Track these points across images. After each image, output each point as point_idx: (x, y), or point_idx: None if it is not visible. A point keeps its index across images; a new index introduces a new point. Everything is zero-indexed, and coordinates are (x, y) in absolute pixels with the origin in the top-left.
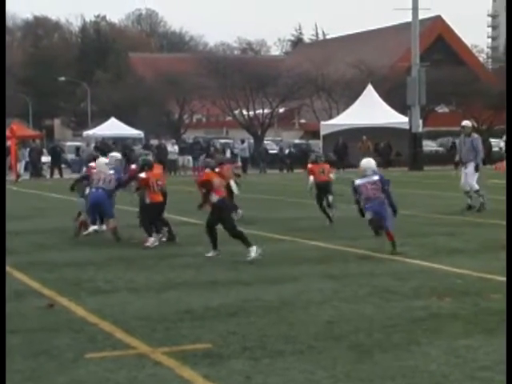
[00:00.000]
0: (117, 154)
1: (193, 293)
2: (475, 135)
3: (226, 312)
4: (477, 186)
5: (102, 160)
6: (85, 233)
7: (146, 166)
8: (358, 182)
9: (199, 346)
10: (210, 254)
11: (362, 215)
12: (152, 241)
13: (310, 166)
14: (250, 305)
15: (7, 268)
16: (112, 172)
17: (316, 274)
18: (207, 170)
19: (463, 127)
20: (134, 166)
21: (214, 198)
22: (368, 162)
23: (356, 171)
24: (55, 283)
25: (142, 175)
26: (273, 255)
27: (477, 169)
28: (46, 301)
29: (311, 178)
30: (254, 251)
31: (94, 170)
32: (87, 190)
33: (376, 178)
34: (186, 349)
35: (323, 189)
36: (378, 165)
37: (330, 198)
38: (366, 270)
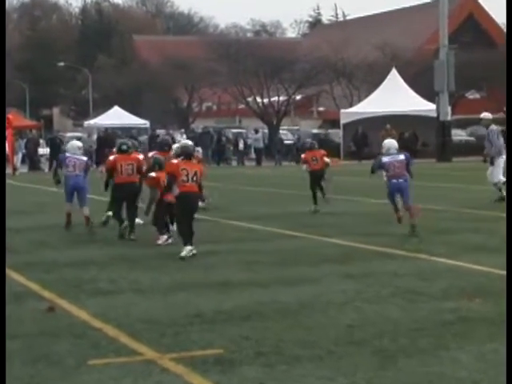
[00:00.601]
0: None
1: (203, 295)
2: (493, 127)
3: (238, 315)
4: (501, 178)
5: (75, 143)
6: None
7: (156, 166)
8: (385, 159)
9: (210, 352)
10: (183, 254)
11: (372, 171)
12: (164, 239)
13: (303, 155)
14: (265, 308)
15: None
16: (84, 158)
17: (336, 274)
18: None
19: (481, 119)
20: (111, 157)
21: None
22: (391, 142)
23: None
24: (55, 284)
25: (152, 175)
26: (288, 254)
27: (492, 162)
28: (46, 304)
29: (304, 166)
30: (187, 251)
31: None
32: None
33: (402, 156)
34: (196, 355)
35: (317, 177)
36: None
37: (323, 183)
38: (389, 269)
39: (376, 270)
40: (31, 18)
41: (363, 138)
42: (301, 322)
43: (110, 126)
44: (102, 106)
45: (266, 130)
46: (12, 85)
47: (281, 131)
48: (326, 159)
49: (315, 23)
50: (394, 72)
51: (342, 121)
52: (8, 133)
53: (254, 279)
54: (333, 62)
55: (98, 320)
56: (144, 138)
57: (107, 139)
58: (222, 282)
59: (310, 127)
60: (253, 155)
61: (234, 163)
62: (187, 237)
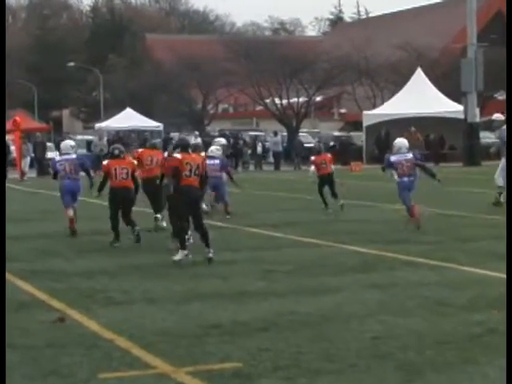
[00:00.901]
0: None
1: (219, 305)
2: (503, 127)
3: (256, 327)
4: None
5: (68, 142)
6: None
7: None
8: (393, 158)
9: (227, 365)
10: (177, 257)
11: (383, 169)
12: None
13: (313, 158)
14: (284, 319)
15: (10, 277)
16: (73, 156)
17: (358, 284)
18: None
19: (493, 121)
20: (105, 162)
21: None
22: (401, 141)
23: None
24: (65, 294)
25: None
26: (308, 262)
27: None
28: (55, 314)
29: (312, 168)
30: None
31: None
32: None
33: (410, 155)
34: (213, 368)
35: (326, 181)
36: (429, 159)
37: (334, 188)
38: (414, 279)
39: (400, 280)
40: (40, 16)
41: (386, 141)
42: (321, 333)
43: (121, 129)
44: (114, 108)
45: (285, 133)
46: (20, 86)
47: (300, 134)
48: (332, 166)
49: (336, 21)
50: (419, 72)
51: (365, 123)
52: (15, 136)
53: (273, 289)
54: (355, 61)
55: (110, 331)
56: (158, 141)
57: (119, 142)
58: (239, 292)
59: (331, 130)
60: (271, 159)
61: (252, 167)
62: (183, 239)
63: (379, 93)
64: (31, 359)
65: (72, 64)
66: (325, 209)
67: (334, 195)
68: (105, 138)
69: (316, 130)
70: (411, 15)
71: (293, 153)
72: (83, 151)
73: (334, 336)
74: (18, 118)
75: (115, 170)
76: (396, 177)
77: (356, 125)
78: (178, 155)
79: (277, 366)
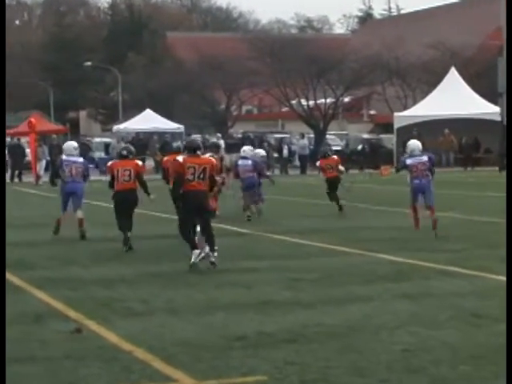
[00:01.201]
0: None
1: (243, 316)
2: None
3: (282, 338)
4: None
5: (71, 143)
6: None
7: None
8: (408, 161)
9: (251, 379)
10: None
11: (397, 170)
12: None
13: (318, 162)
14: (311, 330)
15: (26, 285)
16: (81, 160)
17: (388, 294)
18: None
19: None
20: (109, 163)
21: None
22: (415, 143)
23: (436, 170)
24: (81, 303)
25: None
26: (337, 271)
27: None
28: (72, 324)
29: (321, 174)
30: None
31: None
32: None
33: (425, 158)
34: (236, 382)
35: (333, 184)
36: (464, 164)
37: (340, 191)
38: (448, 289)
39: (433, 290)
40: (56, 13)
41: None
42: (350, 346)
43: (141, 131)
44: (133, 109)
45: (312, 135)
46: (35, 86)
47: (328, 136)
48: (341, 167)
49: (366, 18)
50: (452, 71)
51: (396, 125)
52: (31, 138)
53: (299, 298)
54: (385, 60)
55: (129, 343)
56: (178, 143)
57: (139, 145)
58: (264, 302)
59: (360, 132)
60: (297, 163)
61: (277, 171)
62: (192, 241)
63: (411, 93)
64: (50, 371)
65: (89, 63)
66: (338, 210)
67: (337, 203)
68: (124, 141)
69: (344, 132)
70: (444, 12)
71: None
72: (101, 154)
73: (363, 348)
74: (33, 120)
75: (118, 171)
76: (408, 179)
77: (386, 127)
78: (180, 158)
79: (303, 380)
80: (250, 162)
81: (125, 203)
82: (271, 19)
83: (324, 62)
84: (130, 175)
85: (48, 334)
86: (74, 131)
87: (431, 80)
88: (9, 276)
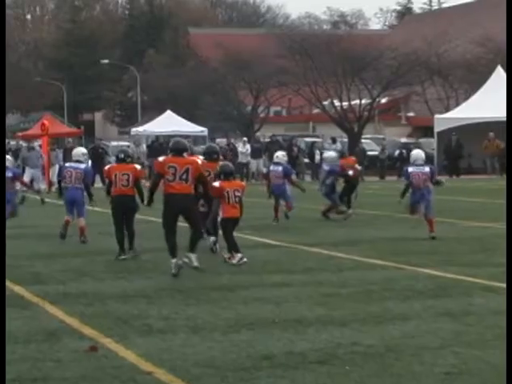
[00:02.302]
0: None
1: (272, 334)
2: None
3: (314, 359)
4: None
5: (80, 150)
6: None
7: (222, 175)
8: (410, 169)
9: None
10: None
11: (403, 195)
12: (238, 257)
13: (339, 162)
14: (345, 350)
15: (39, 301)
16: (82, 166)
17: (430, 311)
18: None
19: None
20: (106, 167)
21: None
22: (418, 153)
23: (476, 177)
24: (98, 320)
25: (216, 184)
26: (373, 286)
27: None
28: (87, 342)
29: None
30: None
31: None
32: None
33: (427, 169)
34: None
35: (351, 185)
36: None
37: (353, 195)
38: (493, 306)
39: (478, 308)
40: (71, 8)
41: (458, 149)
42: (388, 367)
43: (161, 134)
44: (152, 111)
45: (346, 139)
46: (48, 86)
47: (363, 140)
48: (358, 166)
49: (404, 12)
50: (498, 70)
51: (437, 128)
52: (43, 141)
53: (333, 316)
54: (426, 58)
55: (149, 362)
56: (200, 148)
57: (159, 150)
58: (295, 319)
59: (398, 136)
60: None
61: (308, 178)
62: (171, 249)
63: (453, 94)
64: None
65: (106, 61)
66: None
67: (348, 203)
68: (143, 145)
69: (381, 136)
70: (490, 6)
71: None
72: None
73: (401, 371)
74: (46, 122)
75: (115, 176)
76: (409, 189)
77: (426, 130)
78: (160, 158)
79: None
80: (280, 168)
81: (124, 210)
82: (301, 14)
83: (359, 59)
84: (128, 180)
85: (63, 353)
86: (88, 134)
87: (475, 80)
88: (21, 291)
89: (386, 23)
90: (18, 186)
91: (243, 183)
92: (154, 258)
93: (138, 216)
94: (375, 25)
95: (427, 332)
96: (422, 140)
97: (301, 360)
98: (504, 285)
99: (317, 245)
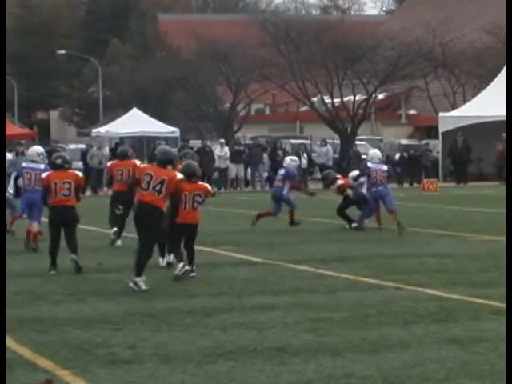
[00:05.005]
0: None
1: (253, 364)
2: None
3: None
4: None
5: (35, 149)
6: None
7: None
8: (370, 164)
9: None
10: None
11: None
12: (180, 267)
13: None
14: (337, 383)
15: None
16: (41, 167)
17: (432, 338)
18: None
19: None
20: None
21: None
22: (376, 152)
23: (486, 185)
24: (54, 349)
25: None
26: (368, 309)
27: None
28: (42, 375)
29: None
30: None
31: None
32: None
33: (385, 167)
34: None
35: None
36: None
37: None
38: (503, 332)
39: (489, 334)
40: None
41: (465, 152)
42: None
43: (126, 136)
44: (117, 109)
45: (338, 141)
46: None
47: (357, 142)
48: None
49: None
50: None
51: (441, 128)
52: None
53: (323, 344)
54: (428, 48)
55: None
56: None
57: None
58: (280, 348)
59: (397, 137)
60: (319, 175)
61: None
62: (137, 266)
63: (460, 89)
64: None
65: (63, 52)
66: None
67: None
68: (106, 148)
69: (378, 138)
70: None
71: (347, 166)
72: (78, 164)
73: None
74: None
75: (55, 184)
76: (365, 189)
77: (430, 130)
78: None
79: None
80: (283, 171)
81: (62, 221)
82: None
83: (352, 50)
84: (69, 189)
85: None
86: (43, 135)
87: (485, 73)
88: None
89: (384, 8)
90: None
91: (208, 187)
92: (120, 277)
93: (101, 230)
94: (371, 10)
95: (430, 361)
96: (424, 142)
97: None
98: None
99: (305, 262)
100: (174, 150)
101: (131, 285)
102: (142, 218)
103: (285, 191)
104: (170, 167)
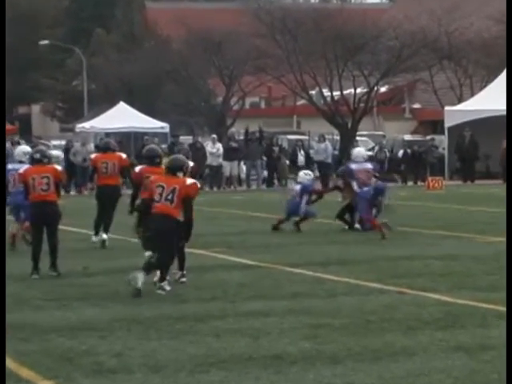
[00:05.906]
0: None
1: (248, 374)
2: None
3: None
4: None
5: (22, 148)
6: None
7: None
8: (353, 166)
9: None
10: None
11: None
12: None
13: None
14: None
15: None
16: (26, 166)
17: (439, 345)
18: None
19: None
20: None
21: None
22: (360, 151)
23: (493, 183)
24: (36, 359)
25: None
26: (370, 315)
27: None
28: None
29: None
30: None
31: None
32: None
33: (369, 165)
34: None
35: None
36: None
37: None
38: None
39: (497, 341)
40: None
41: (473, 149)
42: None
43: (113, 131)
44: (102, 103)
45: (338, 137)
46: None
47: (358, 138)
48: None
49: None
50: None
51: (447, 123)
52: None
53: (322, 352)
54: (434, 37)
55: None
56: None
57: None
58: (276, 355)
59: (401, 132)
60: (317, 172)
61: (292, 184)
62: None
63: (467, 81)
64: None
65: (45, 42)
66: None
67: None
68: (91, 144)
69: (380, 133)
70: None
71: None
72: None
73: None
74: None
75: (33, 179)
76: (356, 187)
77: (435, 125)
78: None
79: None
80: (298, 186)
81: (43, 219)
82: None
83: (353, 40)
84: (48, 183)
85: None
86: (24, 131)
87: (493, 64)
88: None
89: None
90: None
91: (194, 182)
92: (106, 281)
93: (80, 231)
94: None
95: (436, 370)
96: (428, 137)
97: None
98: None
99: (303, 265)
100: (164, 147)
101: (159, 291)
102: (158, 231)
103: (302, 204)
104: (180, 174)
